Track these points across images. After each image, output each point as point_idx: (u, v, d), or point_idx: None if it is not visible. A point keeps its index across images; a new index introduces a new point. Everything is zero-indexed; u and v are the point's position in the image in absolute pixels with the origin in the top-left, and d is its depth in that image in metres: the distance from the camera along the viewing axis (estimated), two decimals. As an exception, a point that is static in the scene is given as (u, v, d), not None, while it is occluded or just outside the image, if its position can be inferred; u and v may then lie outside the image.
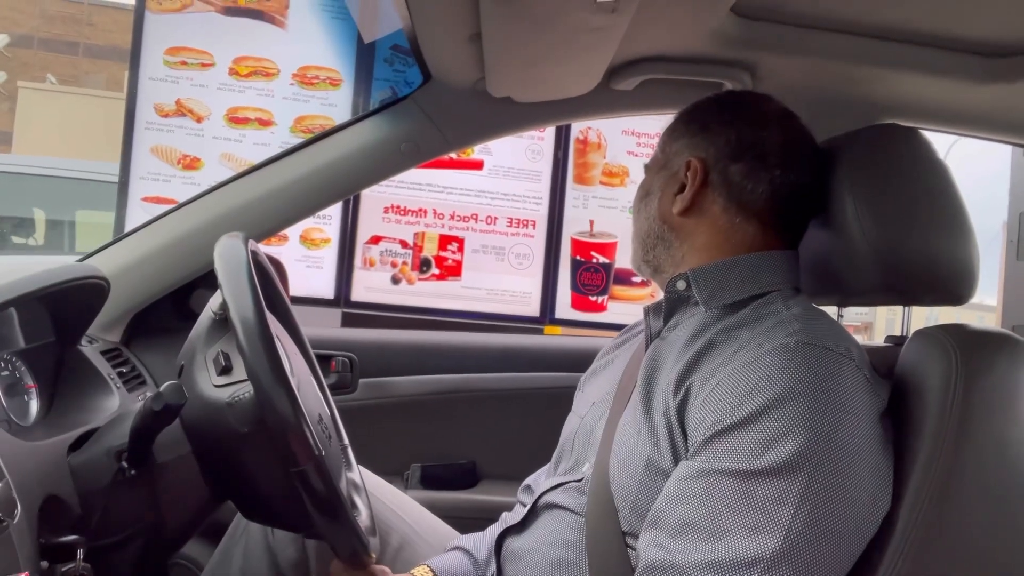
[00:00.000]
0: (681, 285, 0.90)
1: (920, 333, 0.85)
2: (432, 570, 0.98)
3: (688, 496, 0.74)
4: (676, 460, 0.79)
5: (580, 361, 1.19)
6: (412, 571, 0.98)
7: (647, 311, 0.94)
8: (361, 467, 1.08)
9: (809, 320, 0.81)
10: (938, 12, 1.02)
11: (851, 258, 0.88)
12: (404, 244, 2.40)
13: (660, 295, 0.94)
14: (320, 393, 1.02)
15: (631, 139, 2.50)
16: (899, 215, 0.86)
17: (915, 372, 0.81)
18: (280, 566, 1.02)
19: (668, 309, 0.92)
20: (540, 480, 1.01)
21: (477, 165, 2.42)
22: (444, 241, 2.43)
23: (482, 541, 1.02)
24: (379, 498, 1.10)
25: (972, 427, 0.76)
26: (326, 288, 2.36)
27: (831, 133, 0.97)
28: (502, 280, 2.45)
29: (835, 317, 0.99)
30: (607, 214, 2.49)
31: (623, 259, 2.49)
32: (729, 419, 0.74)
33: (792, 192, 0.89)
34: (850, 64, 1.11)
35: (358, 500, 0.97)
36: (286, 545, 1.03)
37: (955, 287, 0.87)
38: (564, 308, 2.48)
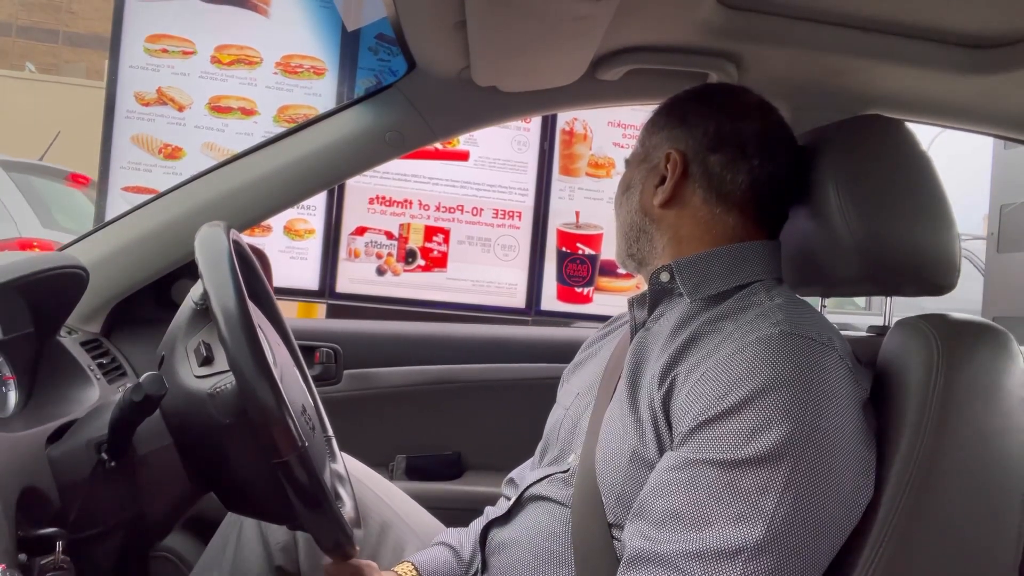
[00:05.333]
0: (665, 277, 0.91)
1: (902, 323, 0.86)
2: (416, 567, 0.98)
3: (673, 486, 0.75)
4: (661, 451, 0.79)
5: (565, 352, 1.19)
6: (395, 568, 0.98)
7: (631, 302, 0.94)
8: (344, 454, 1.08)
9: (792, 310, 0.81)
10: (923, 4, 1.02)
11: (834, 249, 0.88)
12: (389, 235, 2.39)
13: (645, 287, 0.94)
14: (304, 384, 1.02)
15: (617, 130, 2.50)
16: (882, 206, 0.87)
17: (897, 362, 0.82)
18: (271, 549, 1.03)
19: (652, 300, 0.92)
20: (524, 474, 1.01)
21: (463, 156, 2.41)
22: (430, 232, 2.42)
23: (467, 537, 1.02)
24: (363, 482, 1.10)
25: (953, 416, 0.76)
26: (311, 279, 2.34)
27: (816, 124, 0.97)
28: (488, 271, 2.44)
29: (818, 307, 0.99)
30: (593, 205, 2.48)
31: (608, 251, 2.49)
32: (713, 410, 0.75)
33: (771, 182, 0.90)
34: (835, 55, 1.11)
35: (342, 491, 0.97)
36: (276, 529, 1.03)
37: (937, 277, 0.88)
38: (550, 299, 2.48)
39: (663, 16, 1.06)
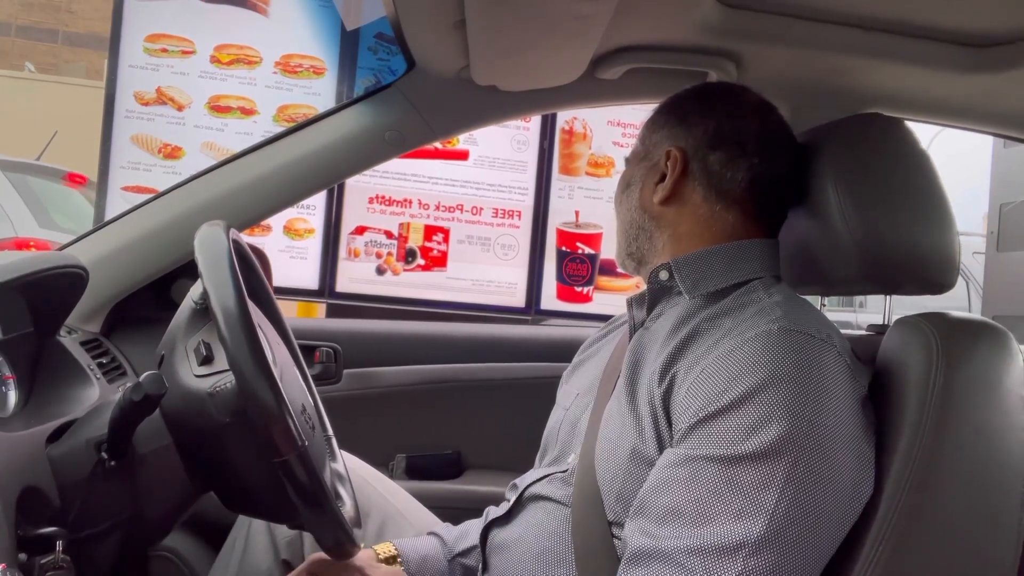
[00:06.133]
0: (664, 275, 0.91)
1: (901, 321, 0.86)
2: (395, 547, 0.98)
3: (673, 483, 0.75)
4: (661, 448, 0.80)
5: (565, 351, 1.19)
6: (374, 547, 0.98)
7: (630, 302, 0.94)
8: (344, 452, 1.08)
9: (791, 307, 0.81)
10: (923, 2, 1.02)
11: (833, 247, 0.88)
12: (389, 234, 2.39)
13: (644, 287, 0.94)
14: (304, 383, 1.02)
15: (617, 129, 2.50)
16: (881, 205, 0.87)
17: (896, 360, 0.82)
18: (277, 543, 1.05)
19: (651, 299, 0.92)
20: (526, 476, 1.02)
21: (463, 155, 2.41)
22: (429, 231, 2.42)
23: (459, 529, 1.03)
24: (363, 479, 1.10)
25: (952, 415, 0.76)
26: (310, 279, 2.34)
27: (815, 123, 0.97)
28: (488, 271, 2.45)
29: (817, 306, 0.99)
30: (592, 205, 2.49)
31: (608, 250, 2.49)
32: (713, 406, 0.75)
33: (770, 180, 0.90)
34: (834, 54, 1.11)
35: (342, 490, 0.97)
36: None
37: (936, 276, 0.88)
38: (550, 299, 2.48)
39: (662, 15, 1.06)
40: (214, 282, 0.77)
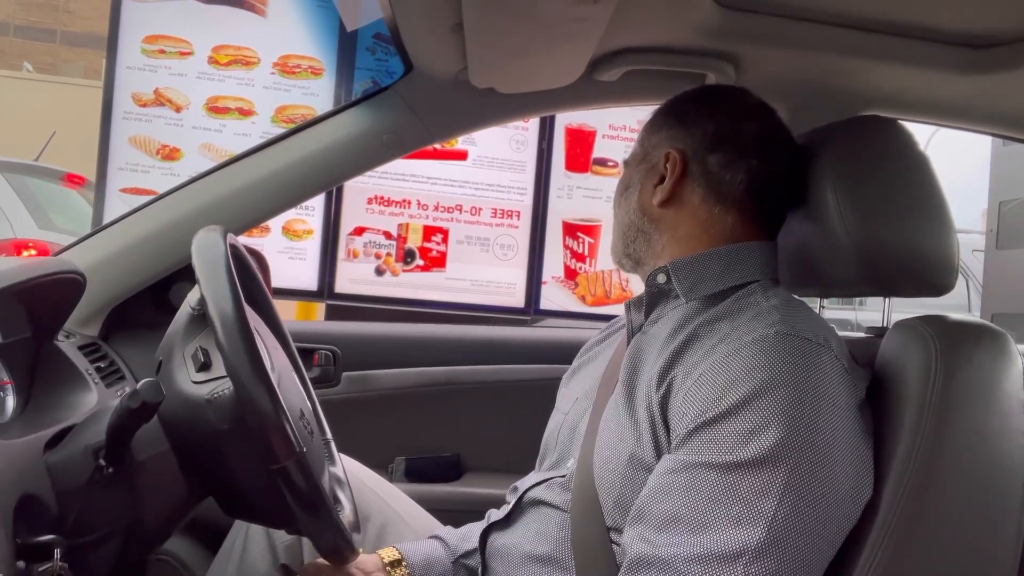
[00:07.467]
0: (661, 278, 0.91)
1: (900, 324, 0.86)
2: (399, 551, 0.98)
3: (672, 490, 0.75)
4: (659, 454, 0.79)
5: (565, 353, 1.19)
6: (379, 551, 0.98)
7: (628, 305, 0.94)
8: (344, 455, 1.08)
9: (788, 311, 0.81)
10: (920, 3, 1.02)
11: (832, 250, 0.88)
12: (388, 235, 2.39)
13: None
14: (302, 387, 1.02)
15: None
16: (880, 206, 0.87)
17: (895, 363, 0.82)
18: (276, 548, 1.05)
19: (649, 303, 0.92)
20: (527, 480, 1.02)
21: (461, 155, 2.41)
22: (428, 232, 2.42)
23: (462, 532, 1.03)
24: (363, 483, 1.10)
25: (952, 418, 0.76)
26: (309, 280, 2.34)
27: (814, 124, 0.97)
28: (487, 271, 2.44)
29: (816, 309, 0.99)
30: (591, 204, 2.48)
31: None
32: (711, 412, 0.75)
33: (769, 182, 0.90)
34: (833, 55, 1.11)
35: (341, 495, 0.97)
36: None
37: (935, 278, 0.88)
38: (548, 299, 2.48)
39: (660, 17, 1.05)
40: (211, 288, 0.77)
